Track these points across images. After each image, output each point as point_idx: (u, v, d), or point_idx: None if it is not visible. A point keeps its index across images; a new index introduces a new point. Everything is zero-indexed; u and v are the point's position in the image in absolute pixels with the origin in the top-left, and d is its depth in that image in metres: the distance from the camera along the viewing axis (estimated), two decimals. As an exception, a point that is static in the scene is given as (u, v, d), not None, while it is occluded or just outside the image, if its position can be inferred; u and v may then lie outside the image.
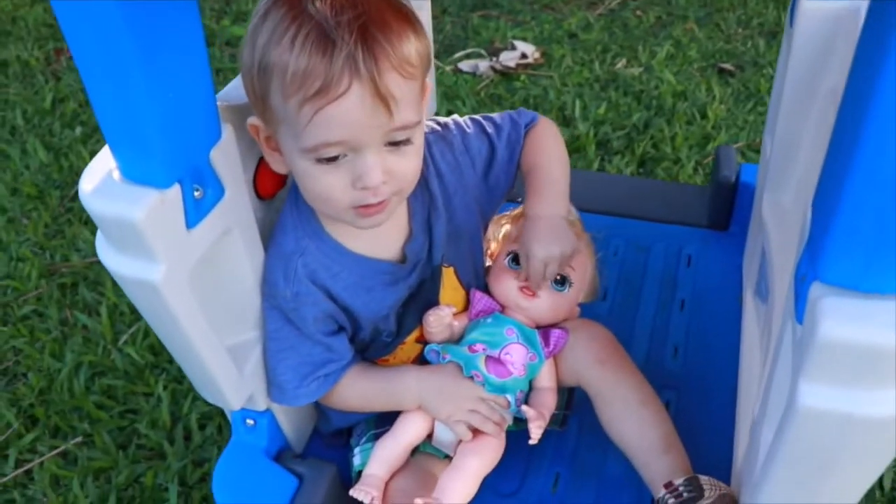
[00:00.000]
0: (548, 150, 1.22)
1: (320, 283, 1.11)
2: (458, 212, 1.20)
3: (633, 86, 2.96)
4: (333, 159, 0.97)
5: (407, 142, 0.99)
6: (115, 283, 2.04)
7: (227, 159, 0.96)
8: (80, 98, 2.93)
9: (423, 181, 1.16)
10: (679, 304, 1.56)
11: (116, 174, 0.87)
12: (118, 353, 1.87)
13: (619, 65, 3.14)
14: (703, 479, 1.10)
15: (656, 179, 2.40)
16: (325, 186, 1.00)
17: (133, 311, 1.99)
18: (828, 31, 1.16)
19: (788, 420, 0.76)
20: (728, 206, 1.69)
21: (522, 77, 3.03)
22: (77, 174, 2.47)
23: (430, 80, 1.12)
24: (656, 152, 2.56)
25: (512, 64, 3.10)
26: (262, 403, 1.18)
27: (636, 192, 1.81)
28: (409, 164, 1.02)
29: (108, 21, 0.72)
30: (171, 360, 1.85)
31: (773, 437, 0.83)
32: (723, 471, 1.20)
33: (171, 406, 1.74)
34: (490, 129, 1.22)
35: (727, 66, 3.10)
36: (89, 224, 2.29)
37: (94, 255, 2.14)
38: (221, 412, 1.70)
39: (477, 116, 1.23)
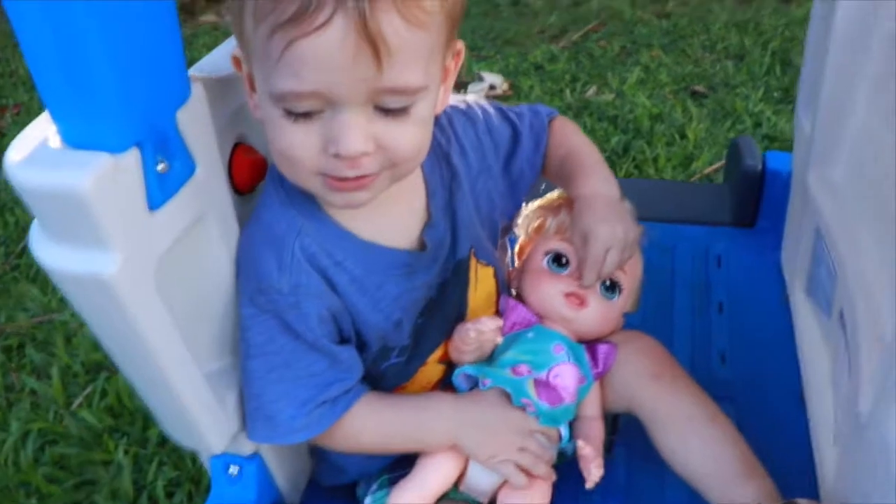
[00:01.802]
0: (579, 137, 1.08)
1: (321, 272, 0.89)
2: (483, 199, 1.01)
3: (607, 111, 2.89)
4: (307, 115, 0.77)
5: (403, 111, 0.79)
6: (67, 341, 1.85)
7: (198, 125, 0.76)
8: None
9: (444, 154, 0.97)
10: (717, 308, 1.40)
11: (56, 140, 0.68)
12: (71, 418, 1.66)
13: (590, 92, 3.09)
14: (802, 502, 0.90)
15: (665, 180, 2.29)
16: (290, 145, 0.79)
17: (88, 370, 1.79)
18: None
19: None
20: (755, 200, 1.54)
21: (492, 108, 2.92)
22: (23, 230, 2.31)
23: (461, 45, 0.90)
24: (640, 174, 2.48)
25: (481, 95, 2.99)
26: (249, 446, 0.95)
27: (649, 194, 1.66)
28: (407, 135, 0.81)
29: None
30: (132, 422, 1.65)
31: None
32: (804, 491, 1.01)
33: (134, 473, 1.54)
34: (511, 115, 1.06)
35: (699, 88, 3.06)
36: (37, 281, 2.12)
37: (44, 313, 1.99)
38: (191, 477, 1.51)
39: (493, 102, 1.07)
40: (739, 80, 3.06)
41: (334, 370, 0.91)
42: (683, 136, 2.67)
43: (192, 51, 3.36)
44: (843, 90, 1.12)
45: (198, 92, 0.76)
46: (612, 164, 2.50)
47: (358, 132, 0.76)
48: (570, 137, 1.08)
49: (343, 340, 0.94)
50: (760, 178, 1.53)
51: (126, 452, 1.57)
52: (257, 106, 0.82)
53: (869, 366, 0.87)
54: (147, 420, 1.63)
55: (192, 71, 0.84)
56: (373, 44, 0.71)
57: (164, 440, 1.59)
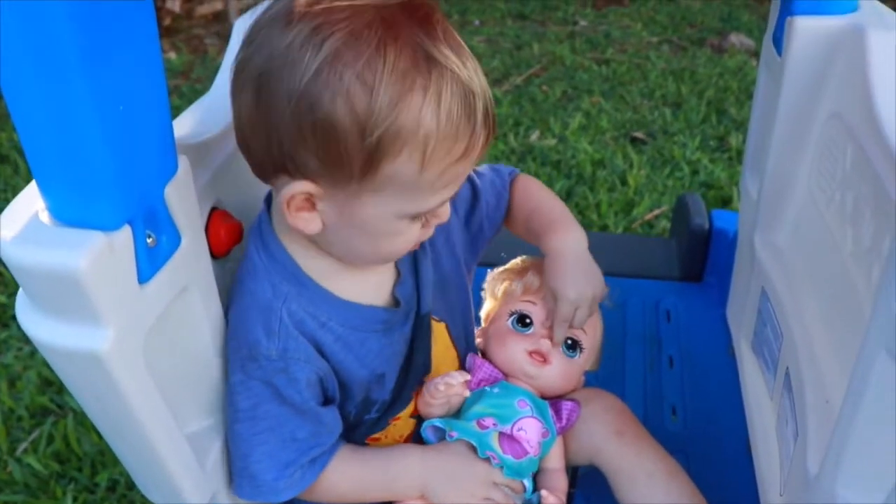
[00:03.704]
0: (544, 193, 1.12)
1: (309, 335, 0.91)
2: (443, 256, 1.06)
3: (551, 156, 2.94)
4: None
5: None
6: (11, 384, 1.81)
7: (184, 198, 0.77)
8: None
9: None
10: (668, 362, 1.44)
11: (45, 216, 0.68)
12: (16, 465, 1.62)
13: (534, 137, 3.14)
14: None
15: (613, 234, 2.33)
16: (407, 240, 0.90)
17: (33, 415, 1.74)
18: (825, 51, 1.09)
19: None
20: (702, 256, 1.60)
21: (439, 151, 2.94)
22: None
23: None
24: (583, 219, 2.52)
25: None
26: (227, 503, 0.96)
27: (599, 247, 1.70)
28: None
29: (48, 17, 0.56)
30: (80, 468, 1.62)
31: None
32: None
33: (84, 522, 1.50)
34: (471, 174, 1.10)
35: (639, 134, 3.12)
36: (-23, 322, 2.05)
37: (-17, 355, 1.91)
38: (145, 527, 1.47)
39: None
40: (677, 128, 3.14)
41: (317, 433, 0.94)
42: (625, 183, 2.73)
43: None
44: (787, 161, 1.18)
45: (184, 165, 0.77)
46: (557, 208, 2.55)
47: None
48: (534, 193, 1.12)
49: (327, 401, 0.97)
50: (707, 237, 1.59)
51: (74, 499, 1.54)
52: (309, 220, 0.84)
53: (816, 427, 0.92)
54: (96, 465, 1.61)
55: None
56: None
57: (113, 485, 1.57)
